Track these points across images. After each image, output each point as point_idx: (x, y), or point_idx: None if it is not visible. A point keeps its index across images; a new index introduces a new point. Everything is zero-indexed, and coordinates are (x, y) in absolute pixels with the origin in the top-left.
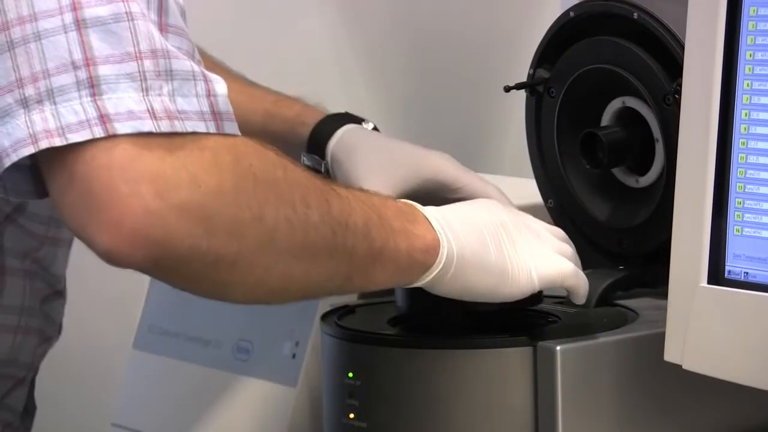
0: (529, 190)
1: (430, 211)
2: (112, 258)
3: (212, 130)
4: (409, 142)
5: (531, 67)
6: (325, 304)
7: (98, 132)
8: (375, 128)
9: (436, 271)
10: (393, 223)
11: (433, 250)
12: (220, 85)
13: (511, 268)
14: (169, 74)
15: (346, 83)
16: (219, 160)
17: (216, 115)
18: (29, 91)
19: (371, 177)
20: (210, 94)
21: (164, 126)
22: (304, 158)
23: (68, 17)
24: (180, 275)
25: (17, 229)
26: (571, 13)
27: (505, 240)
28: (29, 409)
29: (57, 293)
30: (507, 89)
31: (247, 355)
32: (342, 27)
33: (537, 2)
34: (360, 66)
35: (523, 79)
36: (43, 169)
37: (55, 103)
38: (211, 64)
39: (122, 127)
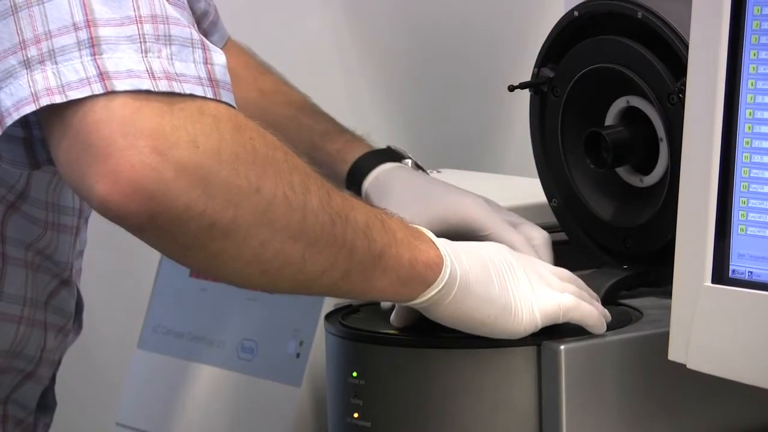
0: (534, 190)
1: (435, 236)
2: (107, 208)
3: (209, 95)
4: (444, 184)
5: (535, 66)
6: (329, 304)
7: (97, 89)
8: (416, 164)
9: (438, 288)
10: (396, 232)
11: (436, 266)
12: (218, 55)
13: (514, 304)
14: (168, 39)
15: (350, 83)
16: (219, 126)
17: (213, 81)
18: (32, 52)
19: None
20: (207, 61)
21: (162, 86)
22: None
23: None
24: (173, 237)
25: (21, 218)
26: (576, 13)
27: (509, 276)
28: (49, 406)
29: (64, 282)
30: (511, 88)
31: (252, 355)
32: (345, 26)
33: (541, 2)
34: (364, 65)
35: (528, 78)
36: (44, 128)
37: (56, 63)
38: (274, 83)
39: (121, 84)
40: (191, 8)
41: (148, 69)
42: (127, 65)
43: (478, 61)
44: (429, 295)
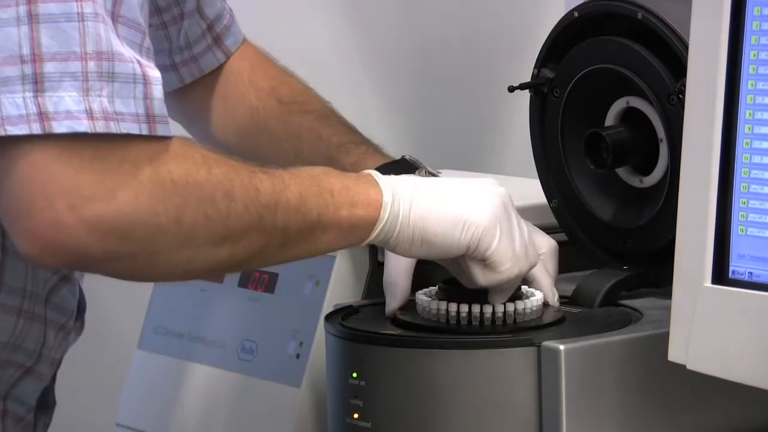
0: (534, 190)
1: (385, 176)
2: (29, 260)
3: (145, 132)
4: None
5: (535, 67)
6: (329, 305)
7: (36, 128)
8: (429, 173)
9: (383, 224)
10: (334, 187)
11: (375, 202)
12: (157, 88)
13: (471, 217)
14: (111, 76)
15: (350, 84)
16: (137, 172)
17: (150, 117)
18: None
19: None
20: (147, 96)
21: (100, 126)
22: None
23: (23, 10)
24: (100, 271)
25: None
26: (576, 13)
27: (477, 205)
28: (49, 405)
29: (64, 279)
30: (511, 89)
31: (252, 356)
32: (346, 27)
33: (541, 2)
34: (364, 66)
35: (528, 79)
36: None
37: None
38: (294, 90)
39: (59, 126)
40: (203, 11)
41: (87, 109)
42: (67, 106)
43: (478, 62)
44: (376, 233)
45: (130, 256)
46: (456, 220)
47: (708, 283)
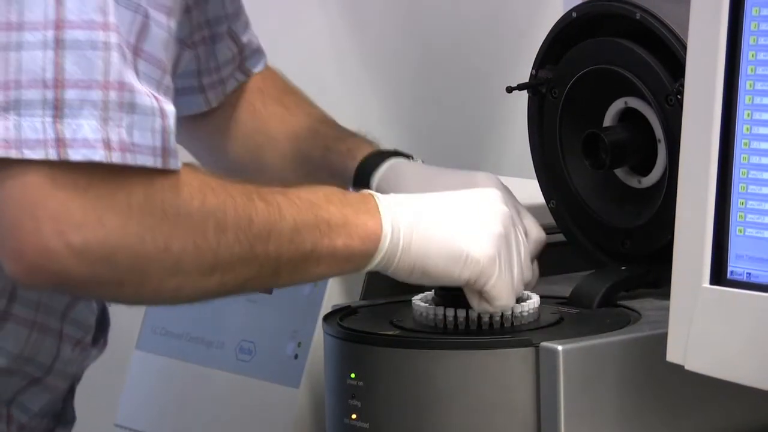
0: (532, 191)
1: (387, 198)
2: (14, 279)
3: (159, 165)
4: (454, 169)
5: (533, 67)
6: (327, 305)
7: (52, 154)
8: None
9: (380, 255)
10: (332, 217)
11: (374, 235)
12: (171, 121)
13: (470, 251)
14: (131, 107)
15: (349, 84)
16: (129, 200)
17: (165, 150)
18: None
19: None
20: (165, 130)
21: (115, 157)
22: (352, 191)
23: (50, 35)
24: (86, 295)
25: None
26: (574, 14)
27: (477, 231)
28: (68, 419)
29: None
30: (509, 90)
31: (250, 356)
32: (344, 27)
33: (539, 3)
34: (363, 66)
35: (526, 79)
36: None
37: (19, 115)
38: (298, 100)
39: (74, 154)
40: (237, 36)
41: (105, 139)
42: (85, 134)
43: (477, 63)
44: (374, 264)
45: (117, 283)
46: (457, 255)
47: (706, 284)
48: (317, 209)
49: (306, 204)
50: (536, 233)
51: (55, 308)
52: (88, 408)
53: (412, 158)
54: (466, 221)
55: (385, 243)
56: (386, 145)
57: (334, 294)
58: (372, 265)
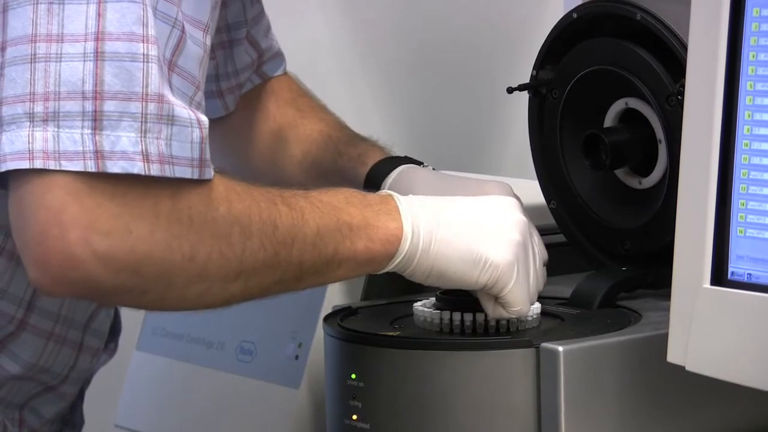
0: (532, 192)
1: (407, 198)
2: (37, 287)
3: (196, 176)
4: (465, 176)
5: (534, 68)
6: (328, 306)
7: (90, 166)
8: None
9: (400, 257)
10: (353, 220)
11: (394, 238)
12: (207, 132)
13: (488, 257)
14: (170, 119)
15: (349, 85)
16: (157, 208)
17: (202, 162)
18: (38, 107)
19: None
20: (203, 141)
21: (154, 170)
22: None
23: (90, 46)
24: (109, 303)
25: None
26: (574, 15)
27: (492, 232)
28: (76, 423)
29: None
30: (510, 90)
31: (250, 357)
32: (344, 28)
33: (540, 3)
34: (363, 68)
35: (526, 80)
36: (10, 180)
37: (58, 126)
38: (312, 104)
39: (113, 166)
40: (256, 42)
41: (144, 151)
42: (123, 146)
43: (477, 63)
44: (393, 265)
45: (142, 291)
46: (476, 258)
47: (707, 285)
48: (338, 212)
49: (328, 207)
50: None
51: (78, 321)
52: (88, 408)
53: (423, 165)
54: (485, 227)
55: (405, 245)
56: (387, 145)
57: (334, 295)
58: (391, 267)
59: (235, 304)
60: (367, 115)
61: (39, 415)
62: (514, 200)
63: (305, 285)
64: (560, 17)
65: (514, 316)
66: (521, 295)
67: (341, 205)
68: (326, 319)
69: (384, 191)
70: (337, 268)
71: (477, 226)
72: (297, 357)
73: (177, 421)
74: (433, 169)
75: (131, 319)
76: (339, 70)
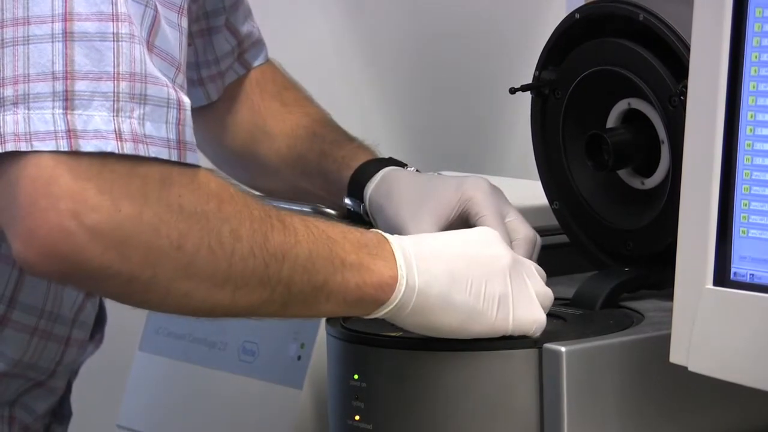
0: (535, 192)
1: (401, 245)
2: (22, 264)
3: (174, 158)
4: (445, 176)
5: (536, 68)
6: None
7: (63, 145)
8: (417, 171)
9: (391, 306)
10: (347, 256)
11: (387, 286)
12: (189, 115)
13: (484, 307)
14: (143, 98)
15: (351, 86)
16: (146, 189)
17: (181, 144)
18: (8, 91)
19: (410, 214)
20: (180, 122)
21: (128, 148)
22: (347, 201)
23: (58, 27)
24: (95, 289)
25: None
26: (577, 15)
27: (489, 279)
28: (64, 415)
29: (89, 294)
30: (512, 91)
31: (253, 357)
32: (346, 29)
33: (542, 4)
34: (365, 68)
35: (529, 80)
36: None
37: (29, 108)
38: (297, 97)
39: (86, 145)
40: (235, 28)
41: (116, 130)
42: (96, 125)
43: (480, 64)
44: (382, 313)
45: (128, 277)
46: (470, 314)
47: (709, 285)
48: (333, 244)
49: (323, 236)
50: (524, 232)
51: (64, 315)
52: (90, 409)
53: (407, 166)
54: (476, 279)
55: (398, 296)
56: (388, 146)
57: None
58: (379, 314)
59: (220, 315)
60: (370, 115)
61: (31, 411)
62: (495, 235)
63: (290, 313)
64: (563, 18)
65: (535, 335)
66: (527, 324)
67: (337, 238)
68: (329, 319)
69: (381, 233)
70: (325, 300)
71: (469, 275)
72: (299, 357)
73: (179, 422)
74: (417, 170)
75: (134, 319)
76: (342, 71)
